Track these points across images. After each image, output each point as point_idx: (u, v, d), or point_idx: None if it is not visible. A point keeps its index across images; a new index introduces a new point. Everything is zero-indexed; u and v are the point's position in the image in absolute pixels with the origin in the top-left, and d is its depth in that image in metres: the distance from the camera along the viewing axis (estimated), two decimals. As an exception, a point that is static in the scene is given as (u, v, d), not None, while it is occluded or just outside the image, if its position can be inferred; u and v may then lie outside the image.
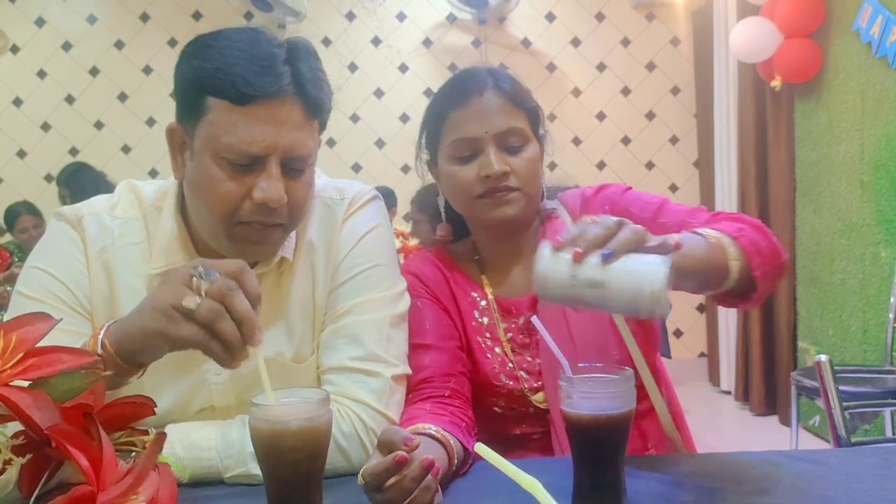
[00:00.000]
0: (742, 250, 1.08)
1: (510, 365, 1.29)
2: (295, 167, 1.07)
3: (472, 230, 1.38)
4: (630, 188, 1.35)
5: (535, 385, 1.27)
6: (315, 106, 1.08)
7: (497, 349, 1.31)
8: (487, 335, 1.32)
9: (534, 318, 1.05)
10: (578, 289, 0.90)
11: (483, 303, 1.33)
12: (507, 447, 1.30)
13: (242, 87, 1.01)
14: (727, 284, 1.07)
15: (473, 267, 1.38)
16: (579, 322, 1.25)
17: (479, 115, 1.25)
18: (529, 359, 1.29)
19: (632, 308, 0.90)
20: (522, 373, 1.28)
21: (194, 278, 0.88)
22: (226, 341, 0.87)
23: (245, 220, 1.06)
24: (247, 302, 0.88)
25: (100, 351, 0.91)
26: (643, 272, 0.88)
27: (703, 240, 1.06)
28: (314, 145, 1.10)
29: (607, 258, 0.88)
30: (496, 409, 1.30)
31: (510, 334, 1.31)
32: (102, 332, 0.93)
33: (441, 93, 1.33)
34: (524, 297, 1.32)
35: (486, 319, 1.33)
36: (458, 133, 1.26)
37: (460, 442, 1.08)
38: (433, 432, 1.05)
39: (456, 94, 1.29)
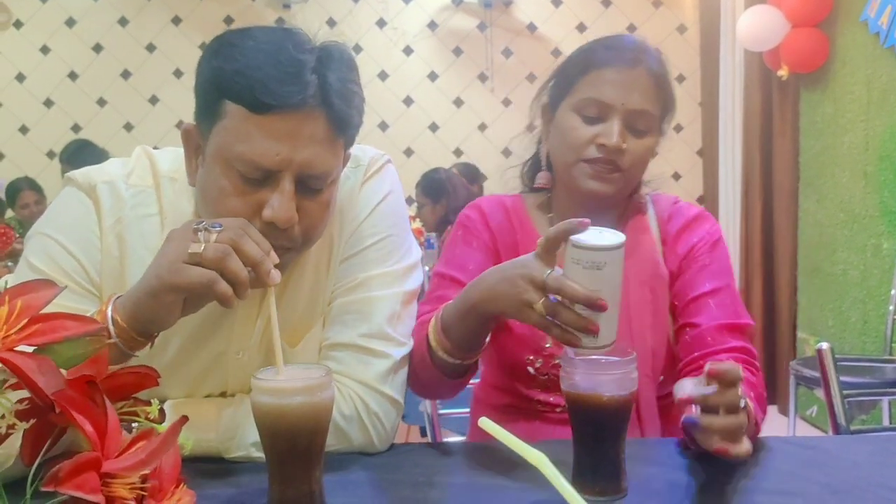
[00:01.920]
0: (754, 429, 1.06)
1: None
2: (312, 185, 0.99)
3: (554, 189, 1.34)
4: (721, 239, 1.30)
5: None
6: (341, 121, 0.99)
7: None
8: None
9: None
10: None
11: None
12: (528, 416, 1.28)
13: (261, 95, 0.93)
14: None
15: (546, 225, 1.33)
16: (640, 299, 1.24)
17: (623, 83, 1.21)
18: None
19: None
20: None
21: (199, 232, 0.87)
22: (234, 281, 0.86)
23: None
24: (256, 246, 0.87)
25: (111, 328, 0.90)
26: None
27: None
28: (336, 163, 1.02)
29: None
30: (530, 368, 1.27)
31: None
32: (110, 308, 0.92)
33: (593, 46, 1.28)
34: None
35: None
36: (595, 92, 1.22)
37: None
38: None
39: (609, 53, 1.24)
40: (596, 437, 0.93)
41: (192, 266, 0.87)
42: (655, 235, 1.30)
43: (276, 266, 0.93)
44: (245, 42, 0.97)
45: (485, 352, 1.31)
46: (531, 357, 1.27)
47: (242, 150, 0.95)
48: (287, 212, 0.97)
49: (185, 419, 0.68)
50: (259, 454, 0.96)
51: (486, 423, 0.63)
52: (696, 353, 1.20)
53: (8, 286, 0.64)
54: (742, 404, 0.87)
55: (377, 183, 1.17)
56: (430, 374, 1.13)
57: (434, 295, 1.23)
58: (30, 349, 0.62)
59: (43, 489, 0.57)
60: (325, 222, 1.05)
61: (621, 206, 1.32)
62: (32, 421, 0.62)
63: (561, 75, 1.30)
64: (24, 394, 0.63)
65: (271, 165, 0.95)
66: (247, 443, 1.02)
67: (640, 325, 1.24)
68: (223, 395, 1.13)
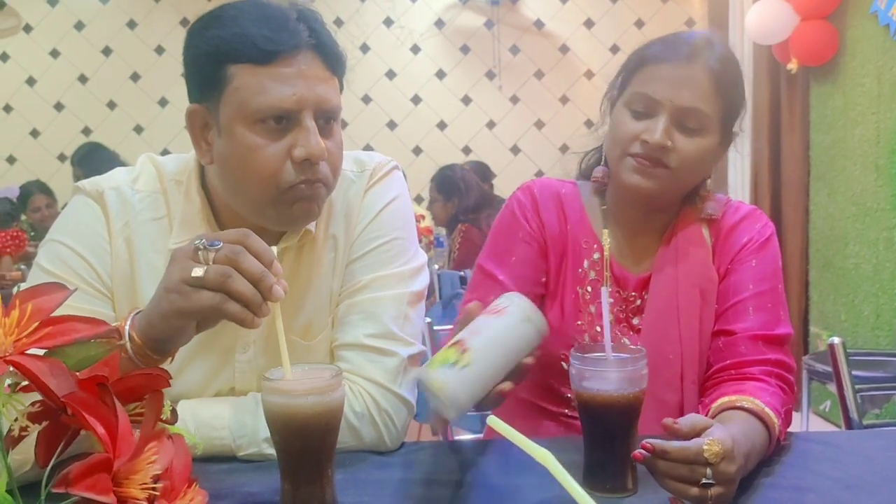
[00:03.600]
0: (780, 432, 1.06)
1: (598, 328, 1.24)
2: (328, 118, 1.06)
3: (609, 185, 1.30)
4: (771, 238, 1.25)
5: None
6: (335, 59, 1.07)
7: (592, 308, 1.26)
8: (589, 289, 1.26)
9: (603, 289, 1.03)
10: None
11: (596, 255, 1.27)
12: (556, 421, 1.27)
13: (263, 45, 1.00)
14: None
15: (598, 215, 1.31)
16: (689, 304, 1.22)
17: (673, 80, 1.17)
18: (624, 331, 1.24)
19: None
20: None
21: (199, 251, 0.87)
22: (243, 300, 0.85)
23: (291, 184, 1.04)
24: (256, 261, 0.86)
25: (128, 345, 0.90)
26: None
27: (766, 434, 1.02)
28: (340, 100, 1.09)
29: None
30: (564, 364, 1.22)
31: (611, 300, 1.24)
32: (128, 324, 0.92)
33: (653, 41, 1.25)
34: (638, 274, 1.27)
35: (593, 273, 1.27)
36: (645, 87, 1.19)
37: None
38: None
39: (666, 49, 1.21)
40: (605, 434, 0.94)
41: (198, 290, 0.86)
42: (707, 238, 1.26)
43: (315, 200, 1.03)
44: (228, 11, 1.05)
45: None
46: (565, 352, 1.22)
47: (261, 101, 1.01)
48: (318, 146, 1.03)
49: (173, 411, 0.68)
50: (271, 450, 0.97)
51: (494, 422, 0.63)
52: (727, 362, 1.17)
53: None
54: (706, 477, 0.85)
55: (383, 188, 1.19)
56: None
57: (474, 294, 1.22)
58: (41, 352, 0.62)
59: (54, 490, 0.57)
60: (342, 161, 1.12)
61: (674, 208, 1.28)
62: (45, 423, 0.62)
63: (622, 72, 1.27)
64: (38, 396, 0.64)
65: (291, 106, 1.02)
66: (259, 439, 1.03)
67: (689, 330, 1.21)
68: (231, 392, 1.14)
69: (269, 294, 0.86)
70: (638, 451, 0.87)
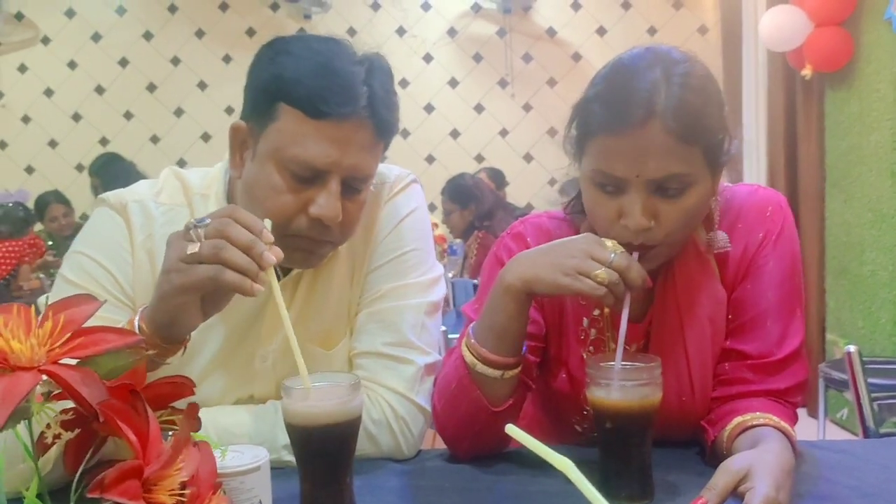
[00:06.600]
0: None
1: None
2: (355, 186, 1.07)
3: None
4: (784, 229, 1.13)
5: None
6: (385, 129, 1.08)
7: None
8: (591, 349, 1.14)
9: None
10: None
11: (596, 311, 1.13)
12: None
13: (318, 104, 1.01)
14: None
15: None
16: (698, 339, 1.10)
17: (633, 153, 0.97)
18: None
19: None
20: None
21: (190, 230, 0.90)
22: (237, 268, 0.88)
23: (297, 234, 1.05)
24: (244, 230, 0.89)
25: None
26: None
27: (791, 450, 0.98)
28: (376, 165, 1.11)
29: None
30: (577, 427, 1.18)
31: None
32: (137, 317, 0.95)
33: (591, 103, 1.03)
34: (641, 321, 1.12)
35: (594, 332, 1.14)
36: (603, 164, 1.00)
37: None
38: None
39: (611, 115, 0.99)
40: (620, 443, 0.94)
41: (195, 265, 0.90)
42: (714, 268, 1.12)
43: (317, 255, 1.03)
44: (299, 50, 1.05)
45: (527, 404, 1.18)
46: (577, 417, 1.17)
47: (297, 152, 1.02)
48: (334, 210, 1.04)
49: (196, 406, 0.71)
50: (290, 457, 0.98)
51: (512, 430, 0.64)
52: (732, 390, 1.08)
53: (48, 303, 0.67)
54: None
55: (402, 200, 1.21)
56: (469, 406, 1.04)
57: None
58: (73, 362, 0.64)
59: (88, 496, 0.59)
60: (360, 220, 1.13)
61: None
62: (77, 431, 0.64)
63: (574, 127, 1.08)
64: (66, 405, 0.66)
65: (322, 166, 1.03)
66: (278, 446, 1.05)
67: (701, 372, 1.10)
68: (251, 400, 1.15)
69: (260, 260, 0.89)
70: None
